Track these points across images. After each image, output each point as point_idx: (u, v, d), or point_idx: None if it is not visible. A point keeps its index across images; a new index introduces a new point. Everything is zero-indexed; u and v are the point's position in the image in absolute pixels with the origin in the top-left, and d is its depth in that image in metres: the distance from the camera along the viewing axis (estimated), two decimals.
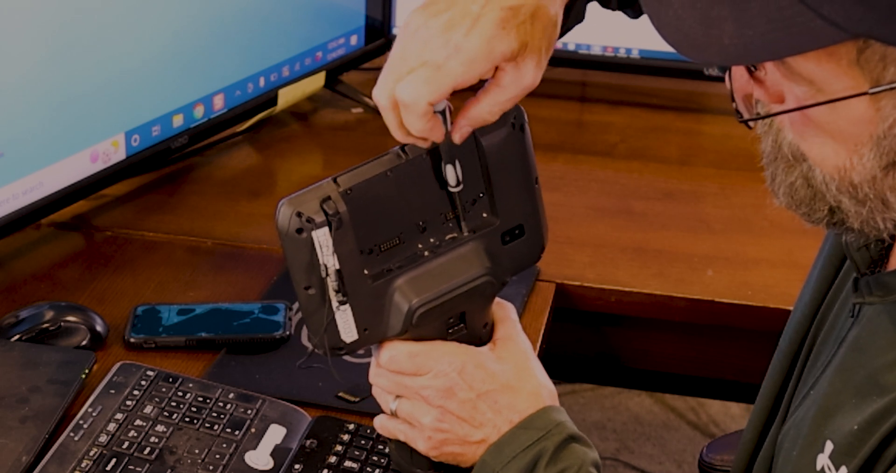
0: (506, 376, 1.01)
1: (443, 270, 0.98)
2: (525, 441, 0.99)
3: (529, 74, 0.92)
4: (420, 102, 0.89)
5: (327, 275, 0.94)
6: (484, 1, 0.89)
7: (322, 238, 0.93)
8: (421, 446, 1.02)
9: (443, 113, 0.91)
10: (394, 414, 1.03)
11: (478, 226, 0.99)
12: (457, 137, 0.93)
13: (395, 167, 0.95)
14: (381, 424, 1.04)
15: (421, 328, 0.98)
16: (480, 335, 1.03)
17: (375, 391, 1.04)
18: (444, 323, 1.00)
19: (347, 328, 0.97)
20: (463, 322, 1.01)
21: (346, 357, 1.36)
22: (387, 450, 1.21)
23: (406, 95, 0.89)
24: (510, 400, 1.00)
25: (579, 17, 0.99)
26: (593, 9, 1.06)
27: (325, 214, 0.92)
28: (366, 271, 0.96)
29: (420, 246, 0.98)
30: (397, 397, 1.02)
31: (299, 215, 0.92)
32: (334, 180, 0.94)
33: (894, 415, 0.85)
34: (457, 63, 0.88)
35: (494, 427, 1.00)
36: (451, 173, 0.95)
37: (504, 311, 1.04)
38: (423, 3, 0.92)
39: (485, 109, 0.92)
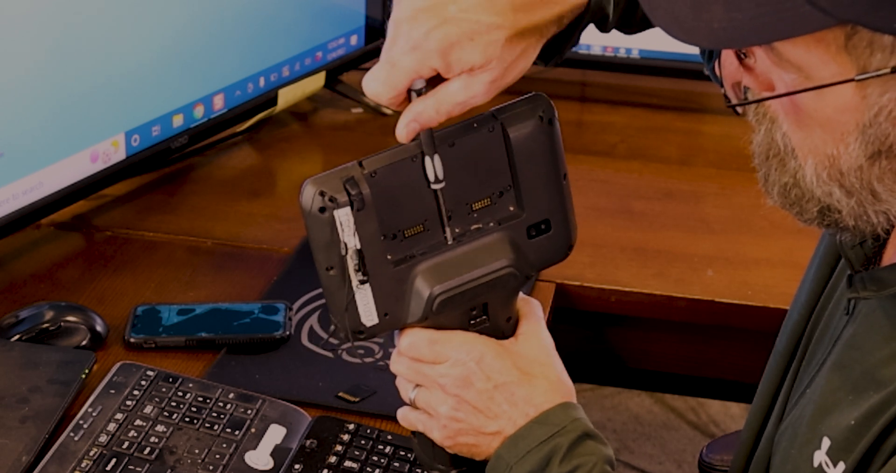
0: (525, 369, 1.00)
1: (466, 258, 0.97)
2: (540, 436, 0.98)
3: (480, 87, 0.93)
4: (380, 98, 0.92)
5: (346, 253, 0.94)
6: (466, 7, 0.90)
7: (344, 218, 0.93)
8: (436, 435, 1.01)
9: (419, 92, 0.92)
10: (413, 404, 1.02)
11: (503, 218, 0.99)
12: (402, 135, 0.93)
13: (420, 154, 0.95)
14: (403, 415, 1.04)
15: (442, 315, 0.98)
16: (503, 328, 1.02)
17: (397, 381, 1.03)
18: (465, 313, 0.99)
19: (368, 311, 0.96)
20: (486, 314, 1.00)
21: (347, 357, 1.37)
22: (386, 451, 1.21)
23: (368, 91, 0.92)
24: (527, 393, 0.99)
25: (574, 43, 1.00)
26: None
27: (348, 194, 0.92)
28: (388, 256, 0.95)
29: (444, 234, 0.98)
30: (416, 386, 1.01)
31: (322, 194, 0.92)
32: (360, 163, 0.94)
33: (891, 408, 0.85)
34: (410, 60, 0.90)
35: (510, 419, 0.99)
36: (430, 168, 0.94)
37: (529, 307, 1.03)
38: None
39: (431, 107, 0.92)
